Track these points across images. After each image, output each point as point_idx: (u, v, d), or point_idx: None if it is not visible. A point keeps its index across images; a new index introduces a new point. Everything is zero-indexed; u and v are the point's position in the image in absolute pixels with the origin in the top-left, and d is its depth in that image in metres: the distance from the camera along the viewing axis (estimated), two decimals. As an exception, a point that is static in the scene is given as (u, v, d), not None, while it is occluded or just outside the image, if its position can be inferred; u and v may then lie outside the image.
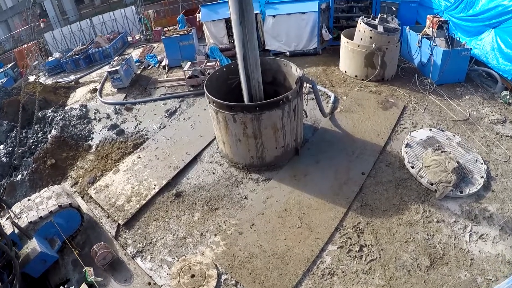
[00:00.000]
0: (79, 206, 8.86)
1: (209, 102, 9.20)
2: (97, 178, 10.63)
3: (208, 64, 14.21)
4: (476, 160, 9.51)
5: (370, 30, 12.34)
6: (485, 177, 8.97)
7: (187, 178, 10.01)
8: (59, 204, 8.16)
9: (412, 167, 9.45)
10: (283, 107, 8.66)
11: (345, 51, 13.49)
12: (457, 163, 9.07)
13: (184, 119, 12.43)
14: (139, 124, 12.84)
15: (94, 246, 7.90)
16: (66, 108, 14.81)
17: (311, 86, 9.64)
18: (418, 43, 13.35)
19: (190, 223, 8.82)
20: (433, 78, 12.74)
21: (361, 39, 12.75)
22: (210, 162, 10.38)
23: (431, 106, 11.79)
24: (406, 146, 10.05)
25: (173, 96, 13.91)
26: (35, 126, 13.08)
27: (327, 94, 12.61)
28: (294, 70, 9.99)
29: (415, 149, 9.99)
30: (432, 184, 8.85)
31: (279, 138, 9.27)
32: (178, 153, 10.77)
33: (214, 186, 9.64)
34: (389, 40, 12.41)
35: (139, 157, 11.03)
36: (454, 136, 10.35)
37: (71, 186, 10.78)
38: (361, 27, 12.63)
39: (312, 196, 8.97)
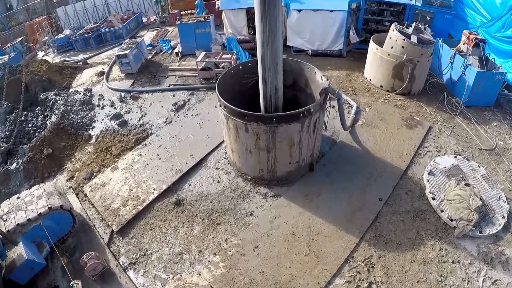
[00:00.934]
0: (71, 208, 8.25)
1: (220, 105, 8.35)
2: (94, 174, 9.98)
3: (223, 56, 13.28)
4: (499, 197, 8.76)
5: (403, 40, 11.30)
6: (506, 218, 8.27)
7: (190, 185, 9.30)
8: (49, 206, 7.58)
9: (433, 199, 8.67)
10: (303, 121, 7.81)
11: (372, 57, 12.46)
12: (481, 200, 8.33)
13: (192, 115, 11.62)
14: (144, 116, 12.06)
15: (83, 256, 7.32)
16: (70, 90, 14.02)
17: (336, 98, 8.71)
18: (451, 59, 12.29)
19: (189, 237, 8.15)
20: (461, 98, 11.76)
21: (391, 47, 11.71)
22: (216, 169, 9.62)
23: (457, 130, 10.88)
24: (429, 174, 9.22)
25: (183, 88, 13.07)
26: (37, 109, 12.31)
27: (349, 103, 11.69)
28: (318, 77, 9.08)
29: (438, 178, 9.17)
30: (452, 220, 8.13)
31: (294, 153, 8.47)
32: (182, 154, 10.03)
33: (218, 197, 8.92)
34: (422, 53, 11.37)
35: (140, 155, 10.31)
36: (479, 167, 9.52)
37: (67, 180, 10.16)
38: (394, 35, 11.58)
39: (323, 220, 8.24)
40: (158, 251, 7.96)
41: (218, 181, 9.27)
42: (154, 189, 9.16)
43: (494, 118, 11.55)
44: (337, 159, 9.66)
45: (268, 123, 7.65)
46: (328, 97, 8.59)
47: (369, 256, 7.64)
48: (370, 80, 12.89)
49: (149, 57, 16.11)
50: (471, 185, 8.80)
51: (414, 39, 11.39)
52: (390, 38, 11.79)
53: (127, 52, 13.90)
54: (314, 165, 9.36)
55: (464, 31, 12.04)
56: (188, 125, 11.20)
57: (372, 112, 11.33)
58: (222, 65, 12.85)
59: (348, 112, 11.22)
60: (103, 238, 8.32)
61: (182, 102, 12.33)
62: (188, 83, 13.41)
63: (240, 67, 9.63)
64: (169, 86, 13.36)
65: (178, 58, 15.58)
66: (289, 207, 8.50)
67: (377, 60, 12.20)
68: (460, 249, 7.76)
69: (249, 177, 9.18)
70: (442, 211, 8.40)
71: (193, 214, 8.60)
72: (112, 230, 8.42)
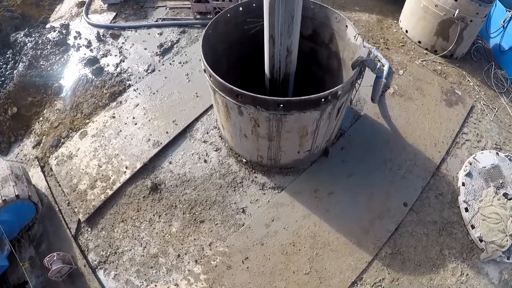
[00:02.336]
0: (30, 196, 6.57)
1: (204, 71, 5.77)
2: (62, 140, 7.83)
3: None
4: None
5: (460, -11, 8.36)
6: None
7: (170, 162, 7.18)
8: (3, 198, 6.08)
9: (466, 210, 7.00)
10: (324, 107, 5.43)
11: (414, 5, 9.51)
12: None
13: (180, 63, 8.87)
14: (123, 61, 9.26)
15: (46, 259, 5.95)
16: (47, 26, 10.95)
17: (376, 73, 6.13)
18: (504, 23, 9.54)
19: (166, 236, 6.41)
20: (509, 73, 9.48)
21: (442, -3, 8.79)
22: (204, 142, 7.41)
23: (501, 114, 8.82)
24: (466, 175, 7.36)
25: (172, 24, 10.03)
26: (8, 52, 9.83)
27: (379, 60, 9.12)
28: (351, 34, 6.38)
29: (475, 181, 7.40)
30: (481, 241, 6.67)
31: (306, 142, 6.30)
32: (163, 118, 7.68)
33: (203, 183, 6.92)
34: (478, 12, 8.61)
35: (113, 117, 7.95)
36: (521, 171, 7.73)
37: (33, 147, 8.13)
38: (449, -19, 8.56)
39: (332, 229, 6.52)
40: (131, 250, 6.33)
41: (205, 161, 7.15)
42: (126, 168, 7.09)
43: (540, 104, 9.48)
44: (359, 141, 7.54)
45: (272, 109, 5.22)
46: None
47: (381, 279, 6.23)
48: (407, 32, 10.09)
49: None
50: (510, 196, 7.20)
51: (472, -10, 8.46)
52: (443, -17, 8.76)
53: None
54: (330, 149, 7.24)
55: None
56: (173, 77, 8.56)
57: (407, 77, 8.88)
58: None
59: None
60: (70, 228, 6.70)
61: (170, 43, 9.40)
62: (180, 18, 10.27)
63: (240, 8, 6.72)
64: (156, 21, 10.24)
65: None
66: (292, 207, 6.65)
67: (420, 10, 9.30)
68: (482, 275, 6.50)
69: (244, 159, 7.07)
70: (473, 227, 6.84)
71: (171, 204, 6.71)
72: (79, 219, 6.69)
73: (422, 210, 7.00)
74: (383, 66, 8.91)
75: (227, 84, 4.93)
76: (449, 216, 7.04)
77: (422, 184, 7.19)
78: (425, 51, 9.71)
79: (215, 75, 5.09)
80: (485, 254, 6.60)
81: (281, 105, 4.98)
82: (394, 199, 6.93)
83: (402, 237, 6.66)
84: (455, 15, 8.61)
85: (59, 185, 7.39)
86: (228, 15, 6.60)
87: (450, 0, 8.65)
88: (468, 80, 9.24)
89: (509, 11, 9.53)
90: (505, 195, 7.26)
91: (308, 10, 6.92)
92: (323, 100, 5.22)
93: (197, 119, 7.64)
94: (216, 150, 7.23)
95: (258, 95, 4.81)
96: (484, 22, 9.38)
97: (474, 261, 6.59)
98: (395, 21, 10.57)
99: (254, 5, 6.74)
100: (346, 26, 6.47)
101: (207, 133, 7.47)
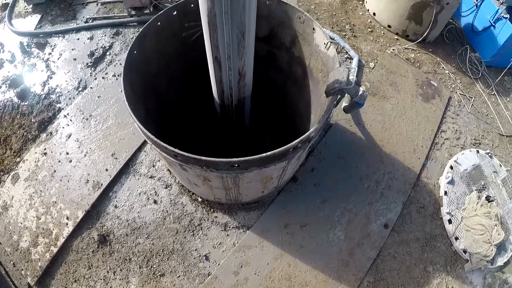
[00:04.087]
0: None
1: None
2: None
3: None
4: None
5: (437, -34, 7.24)
6: None
7: (115, 206, 5.96)
8: None
9: (450, 221, 6.41)
10: (292, 155, 4.29)
11: (383, -16, 8.33)
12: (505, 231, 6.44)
13: (114, 75, 7.30)
14: (51, 77, 7.51)
15: None
16: None
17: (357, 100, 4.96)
18: (477, 1, 8.63)
19: (121, 300, 5.32)
20: (483, 56, 8.76)
21: (415, -26, 7.64)
22: (151, 177, 6.17)
23: (477, 102, 8.15)
24: (448, 183, 6.70)
25: (103, 24, 8.22)
26: None
27: (347, 52, 8.02)
28: (319, 40, 5.05)
29: (458, 187, 6.79)
30: (465, 252, 6.20)
31: (271, 184, 5.22)
32: (99, 152, 6.33)
33: (156, 229, 5.81)
34: (456, -8, 7.57)
35: (45, 153, 6.49)
36: (501, 166, 7.28)
37: None
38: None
39: (309, 267, 5.71)
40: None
41: (155, 201, 5.98)
42: (67, 218, 5.84)
43: (513, 86, 8.92)
44: (331, 159, 6.56)
45: (225, 169, 4.00)
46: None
47: (365, 313, 5.53)
48: (374, 15, 8.94)
49: None
50: (492, 198, 6.74)
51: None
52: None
53: None
54: (298, 176, 6.26)
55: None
56: (108, 95, 7.02)
57: (379, 71, 7.86)
58: None
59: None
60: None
61: (102, 50, 7.68)
62: (112, 16, 8.46)
63: (175, 12, 5.20)
64: (86, 21, 8.37)
65: None
66: (261, 248, 5.72)
67: (391, -10, 8.14)
68: (467, 284, 6.08)
69: (199, 198, 5.97)
70: (457, 238, 6.32)
71: (125, 258, 5.60)
72: (29, 284, 5.61)
73: (403, 229, 6.32)
74: (351, 58, 7.84)
75: (160, 142, 3.67)
76: (431, 229, 6.43)
77: (403, 200, 6.45)
78: (396, 37, 8.67)
79: (142, 127, 3.80)
80: (469, 265, 6.14)
81: (237, 165, 3.82)
82: (373, 222, 6.16)
83: (384, 262, 5.99)
84: (430, -3, 7.57)
85: (0, 243, 6.13)
86: (159, 23, 5.09)
87: (423, -20, 7.56)
88: (443, 68, 8.38)
89: (482, -13, 8.59)
90: (487, 198, 6.76)
91: (263, 8, 5.56)
92: (292, 149, 4.09)
93: (139, 149, 6.33)
94: (166, 187, 6.05)
95: (202, 158, 3.59)
96: (460, 4, 8.42)
97: (458, 271, 6.12)
98: (360, 2, 9.36)
99: (192, 5, 5.25)
100: (314, 29, 5.21)
101: (153, 166, 6.23)
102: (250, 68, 4.60)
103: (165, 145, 3.63)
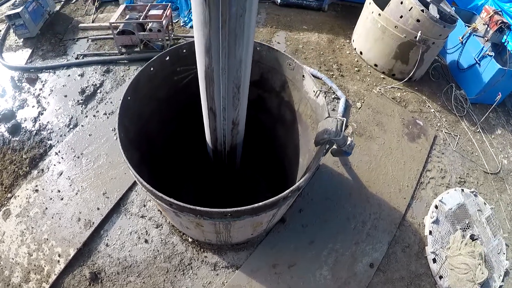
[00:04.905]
0: None
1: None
2: None
3: (151, 12, 8.48)
4: (500, 249, 7.06)
5: (422, 11, 7.60)
6: (502, 277, 6.71)
7: (107, 245, 6.03)
8: None
9: (434, 261, 6.55)
10: (283, 203, 4.47)
11: (370, 25, 8.70)
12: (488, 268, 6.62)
13: (105, 114, 7.48)
14: (41, 113, 7.70)
15: None
16: None
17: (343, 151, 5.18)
18: (462, 39, 9.00)
19: None
20: (468, 93, 9.10)
21: (401, 17, 8.00)
22: (142, 217, 6.28)
23: (462, 141, 8.41)
24: (433, 222, 6.88)
25: (94, 61, 8.44)
26: None
27: (334, 93, 8.29)
28: (309, 87, 5.31)
29: (442, 226, 6.97)
30: None
31: (261, 228, 5.37)
32: (91, 190, 6.44)
33: (147, 268, 5.87)
34: (442, 33, 7.95)
35: (37, 190, 6.58)
36: (485, 205, 7.52)
37: None
38: (408, 1, 7.76)
39: (296, 308, 5.73)
40: None
41: (146, 241, 6.07)
42: (59, 255, 5.89)
43: (498, 123, 9.33)
44: (319, 199, 6.73)
45: (217, 217, 4.17)
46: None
47: None
48: (361, 53, 9.31)
49: (57, 8, 10.57)
50: (476, 237, 6.93)
51: (433, 11, 7.77)
52: (401, 3, 7.96)
53: (19, 10, 8.63)
54: (286, 217, 6.41)
55: (486, 6, 8.73)
56: (99, 134, 7.18)
57: (365, 111, 8.14)
58: (149, 26, 8.24)
59: (333, 109, 7.96)
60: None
61: (92, 87, 7.89)
62: (103, 53, 8.69)
63: (167, 58, 5.44)
64: (77, 57, 8.60)
65: (94, 8, 10.19)
66: (250, 288, 5.79)
67: (377, 30, 8.51)
68: None
69: (190, 238, 6.07)
70: (441, 277, 6.45)
71: (115, 297, 5.61)
72: None
73: (389, 268, 6.43)
74: (339, 99, 8.12)
75: (155, 191, 3.82)
76: (416, 268, 6.54)
77: (388, 239, 6.59)
78: (382, 76, 9.01)
79: (140, 178, 3.96)
80: (452, 302, 6.25)
81: (229, 215, 3.98)
82: (360, 262, 6.27)
83: (370, 302, 6.08)
84: (417, 38, 7.91)
85: None
86: (152, 69, 5.30)
87: (411, 21, 7.93)
88: (429, 106, 8.69)
89: (469, 26, 9.00)
90: (471, 237, 6.93)
91: (254, 53, 5.79)
92: (283, 199, 4.25)
93: (130, 189, 6.46)
94: (157, 227, 6.16)
95: (197, 208, 3.75)
96: (445, 42, 8.81)
97: (442, 309, 6.14)
98: (347, 41, 9.74)
99: (184, 51, 5.51)
100: (303, 76, 5.46)
101: (144, 205, 6.35)
102: (243, 117, 4.80)
103: (160, 194, 3.78)
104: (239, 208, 3.82)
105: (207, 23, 3.04)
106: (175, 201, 3.79)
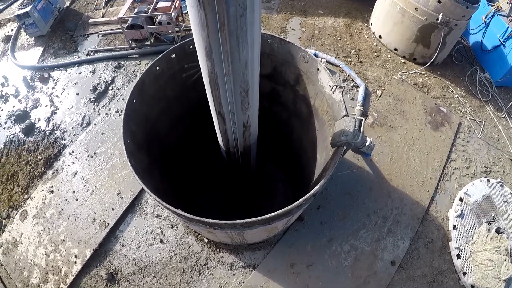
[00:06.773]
0: None
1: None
2: (3, 222, 6.43)
3: (160, 4, 8.07)
4: None
5: (445, -9, 7.01)
6: None
7: (122, 245, 5.96)
8: None
9: (458, 257, 6.23)
10: (297, 210, 4.19)
11: (389, 8, 8.11)
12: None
13: (117, 111, 7.29)
14: (55, 113, 7.57)
15: None
16: None
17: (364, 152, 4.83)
18: (485, 19, 8.32)
19: None
20: (493, 76, 8.49)
21: (422, -2, 7.41)
22: (157, 217, 6.16)
23: (488, 127, 7.89)
24: (458, 216, 6.53)
25: (105, 57, 8.18)
26: None
27: (353, 80, 7.85)
28: (324, 81, 4.95)
29: (467, 220, 6.60)
30: (473, 287, 6.04)
31: (275, 231, 5.15)
32: (105, 190, 6.33)
33: (163, 268, 5.78)
34: (464, 14, 7.32)
35: (52, 191, 6.53)
36: (512, 196, 7.02)
37: None
38: (432, -20, 7.16)
39: (315, 307, 5.58)
40: None
41: (161, 241, 5.96)
42: (76, 256, 5.88)
43: (524, 107, 8.67)
44: (338, 195, 6.46)
45: (229, 228, 3.96)
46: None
47: None
48: (380, 37, 8.75)
49: (67, 4, 10.22)
50: (502, 230, 6.53)
51: (457, -9, 7.14)
52: (424, -19, 7.35)
53: (28, 9, 8.36)
54: (304, 215, 6.17)
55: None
56: (112, 132, 7.01)
57: (386, 99, 7.69)
58: (158, 19, 7.86)
59: (352, 98, 7.55)
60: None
61: (104, 84, 7.67)
62: (114, 48, 8.39)
63: (173, 55, 5.12)
64: (87, 54, 8.35)
65: (104, 2, 9.80)
66: (268, 288, 5.65)
67: (396, 13, 7.92)
68: None
69: (205, 238, 5.92)
70: (465, 274, 6.14)
71: (132, 298, 5.58)
72: None
73: (411, 265, 6.17)
74: (358, 87, 7.67)
75: (163, 203, 3.62)
76: (439, 265, 6.26)
77: (411, 235, 6.30)
78: (403, 60, 8.47)
79: (146, 188, 3.76)
80: (478, 300, 5.97)
81: (240, 226, 3.76)
82: (380, 259, 6.03)
83: (391, 301, 5.88)
84: (438, 20, 7.34)
85: (11, 278, 6.19)
86: (157, 68, 5.02)
87: (432, 2, 7.33)
88: (452, 91, 8.16)
89: (492, 5, 8.31)
90: (497, 230, 6.57)
91: (265, 45, 5.45)
92: (295, 208, 3.98)
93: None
94: (172, 227, 6.02)
95: (205, 220, 3.53)
96: (468, 23, 8.17)
97: (466, 306, 5.89)
98: (365, 24, 9.15)
99: (190, 47, 5.17)
100: (318, 69, 5.08)
101: (159, 205, 6.21)
102: (255, 119, 4.50)
103: (168, 206, 3.58)
104: (249, 220, 3.58)
105: (204, 27, 2.74)
106: (183, 213, 3.58)
